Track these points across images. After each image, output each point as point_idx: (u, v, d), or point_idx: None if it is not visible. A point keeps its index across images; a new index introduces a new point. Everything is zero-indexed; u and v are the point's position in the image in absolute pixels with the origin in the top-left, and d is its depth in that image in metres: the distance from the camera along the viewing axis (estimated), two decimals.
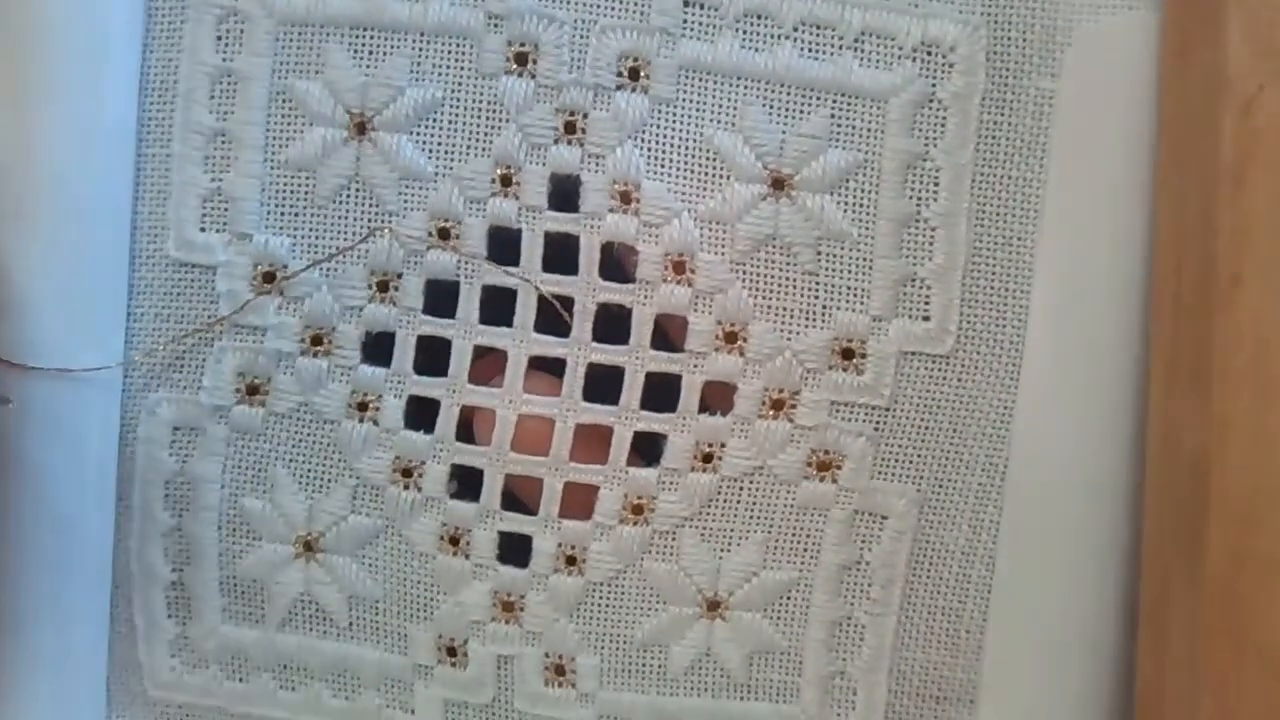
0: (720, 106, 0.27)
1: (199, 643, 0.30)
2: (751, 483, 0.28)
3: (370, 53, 0.27)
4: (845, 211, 0.27)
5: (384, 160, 0.27)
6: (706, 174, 0.27)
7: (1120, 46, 0.26)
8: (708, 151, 0.27)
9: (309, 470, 0.29)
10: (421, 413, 0.28)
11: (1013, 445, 0.28)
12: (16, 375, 0.27)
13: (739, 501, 0.28)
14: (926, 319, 0.27)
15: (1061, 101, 0.27)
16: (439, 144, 0.27)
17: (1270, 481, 0.24)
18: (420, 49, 0.27)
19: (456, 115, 0.27)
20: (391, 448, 0.28)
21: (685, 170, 0.27)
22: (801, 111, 0.27)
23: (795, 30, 0.27)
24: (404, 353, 0.28)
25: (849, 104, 0.27)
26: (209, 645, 0.30)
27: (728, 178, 0.27)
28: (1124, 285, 0.27)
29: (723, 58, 0.27)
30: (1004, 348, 0.27)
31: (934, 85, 0.27)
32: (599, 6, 0.27)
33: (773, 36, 0.27)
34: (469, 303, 0.28)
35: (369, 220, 0.28)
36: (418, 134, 0.27)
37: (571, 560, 0.28)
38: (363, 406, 0.28)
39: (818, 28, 0.27)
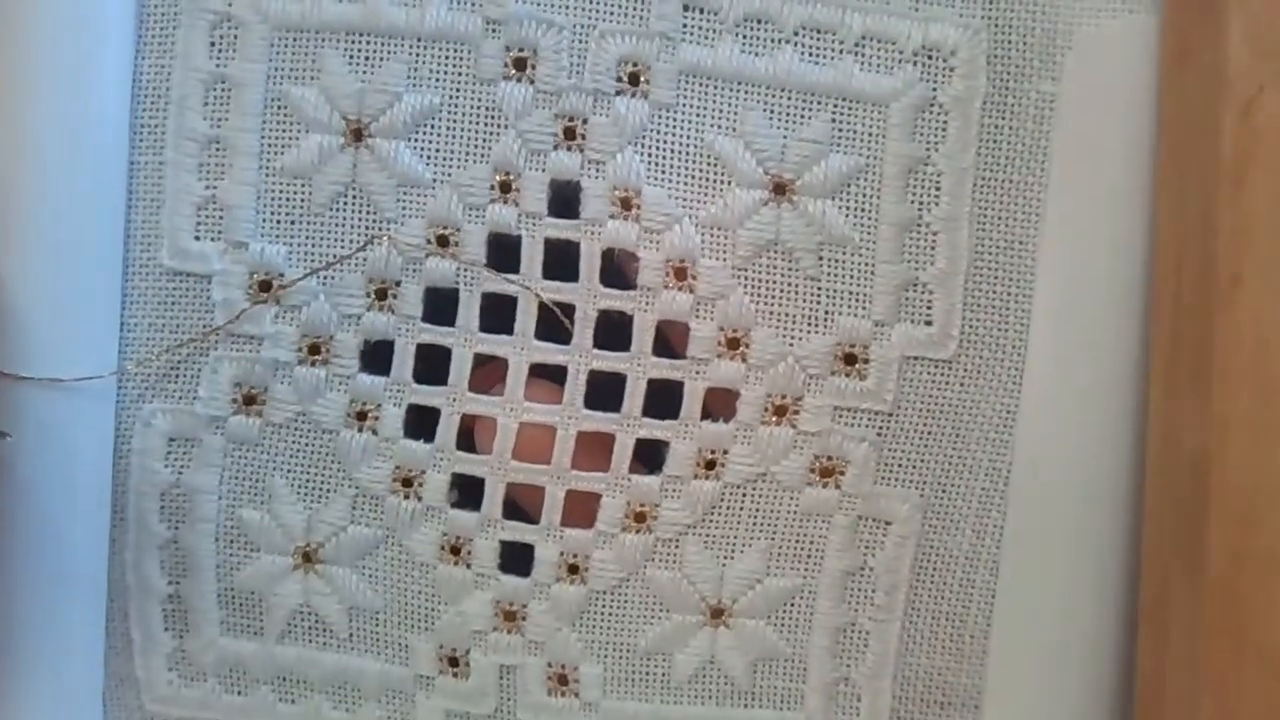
0: (721, 111, 0.27)
1: (197, 656, 0.29)
2: (754, 489, 0.28)
3: (367, 58, 0.27)
4: (847, 216, 0.27)
5: (381, 167, 0.27)
6: (707, 179, 0.27)
7: (1120, 49, 0.27)
8: (709, 157, 0.27)
9: (307, 481, 0.28)
10: (421, 422, 0.28)
11: (1016, 449, 0.28)
12: (8, 385, 0.27)
13: (742, 508, 0.28)
14: (929, 324, 0.27)
15: (1062, 104, 0.27)
16: (437, 150, 0.27)
17: (1270, 481, 0.24)
18: (417, 55, 0.27)
19: (455, 121, 0.27)
20: (391, 457, 0.28)
21: (686, 176, 0.27)
22: (802, 116, 0.27)
23: (796, 34, 0.27)
24: (403, 361, 0.28)
25: (850, 108, 0.27)
26: (207, 658, 0.29)
27: (729, 183, 0.27)
28: (1126, 287, 0.27)
29: (723, 62, 0.27)
30: (1007, 352, 0.27)
31: (935, 89, 0.27)
32: (598, 11, 0.27)
33: (773, 41, 0.27)
34: (469, 310, 0.27)
35: (367, 228, 0.27)
36: (415, 140, 0.27)
37: (574, 569, 0.28)
38: (362, 416, 0.28)
39: (818, 32, 0.27)
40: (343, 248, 0.28)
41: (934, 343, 0.27)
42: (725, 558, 0.28)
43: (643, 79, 0.27)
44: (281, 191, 0.28)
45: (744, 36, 0.27)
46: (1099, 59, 0.27)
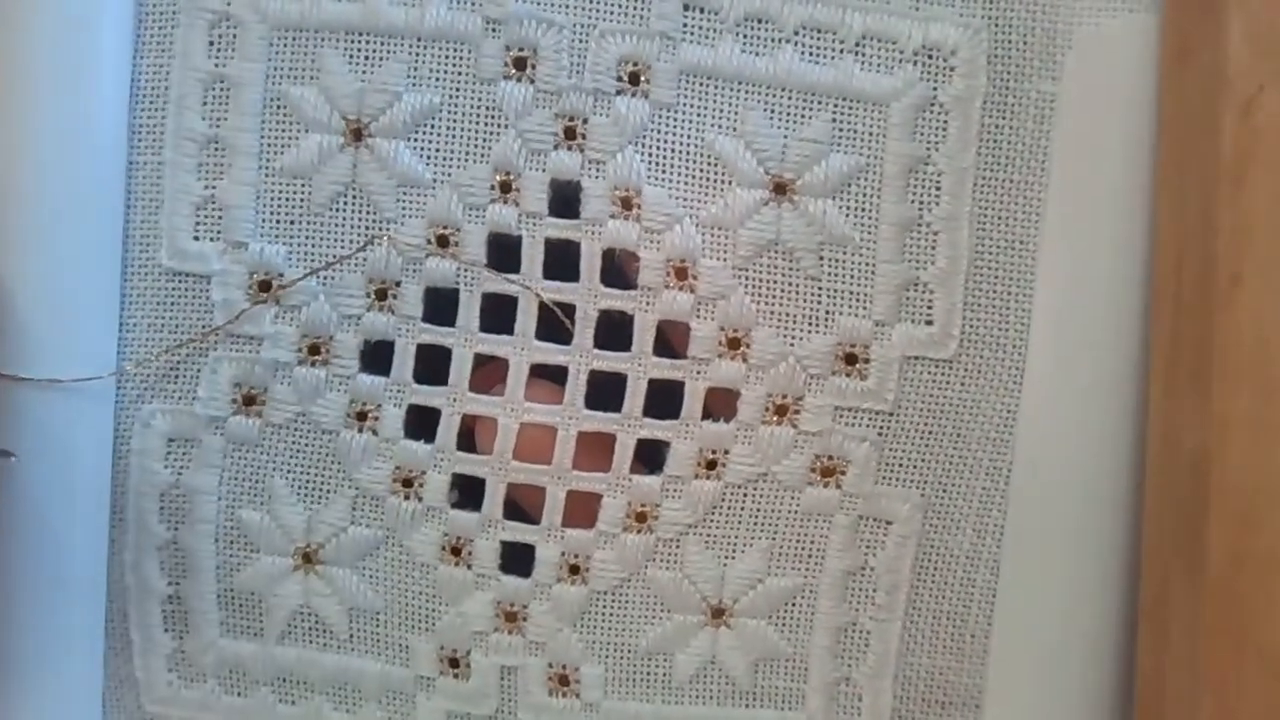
0: (721, 111, 0.27)
1: (196, 657, 0.29)
2: (755, 489, 0.28)
3: (366, 58, 0.27)
4: (847, 216, 0.27)
5: (381, 167, 0.27)
6: (708, 179, 0.27)
7: (1121, 49, 0.27)
8: (709, 156, 0.27)
9: (307, 481, 0.28)
10: (422, 422, 0.28)
11: (1016, 449, 0.28)
12: (7, 387, 0.27)
13: (743, 508, 0.28)
14: (929, 323, 0.27)
15: (1063, 104, 0.27)
16: (437, 150, 0.27)
17: (1270, 481, 0.24)
18: (417, 54, 0.27)
19: (455, 121, 0.27)
20: (391, 458, 0.28)
21: (687, 175, 0.27)
22: (803, 116, 0.27)
23: (796, 34, 0.27)
24: (403, 361, 0.28)
25: (850, 108, 0.27)
26: (207, 659, 0.29)
27: (729, 183, 0.27)
28: (1126, 287, 0.27)
29: (723, 62, 0.27)
30: (1007, 351, 0.27)
31: (935, 89, 0.27)
32: (598, 10, 0.27)
33: (773, 40, 0.27)
34: (469, 310, 0.27)
35: (366, 228, 0.27)
36: (415, 140, 0.27)
37: (575, 569, 0.28)
38: (362, 416, 0.28)
39: (819, 31, 0.27)
40: (342, 248, 0.28)
41: (935, 342, 0.27)
42: (726, 558, 0.28)
43: (643, 78, 0.27)
44: (281, 191, 0.28)
45: (744, 36, 0.27)
46: (1099, 58, 0.27)
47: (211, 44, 0.27)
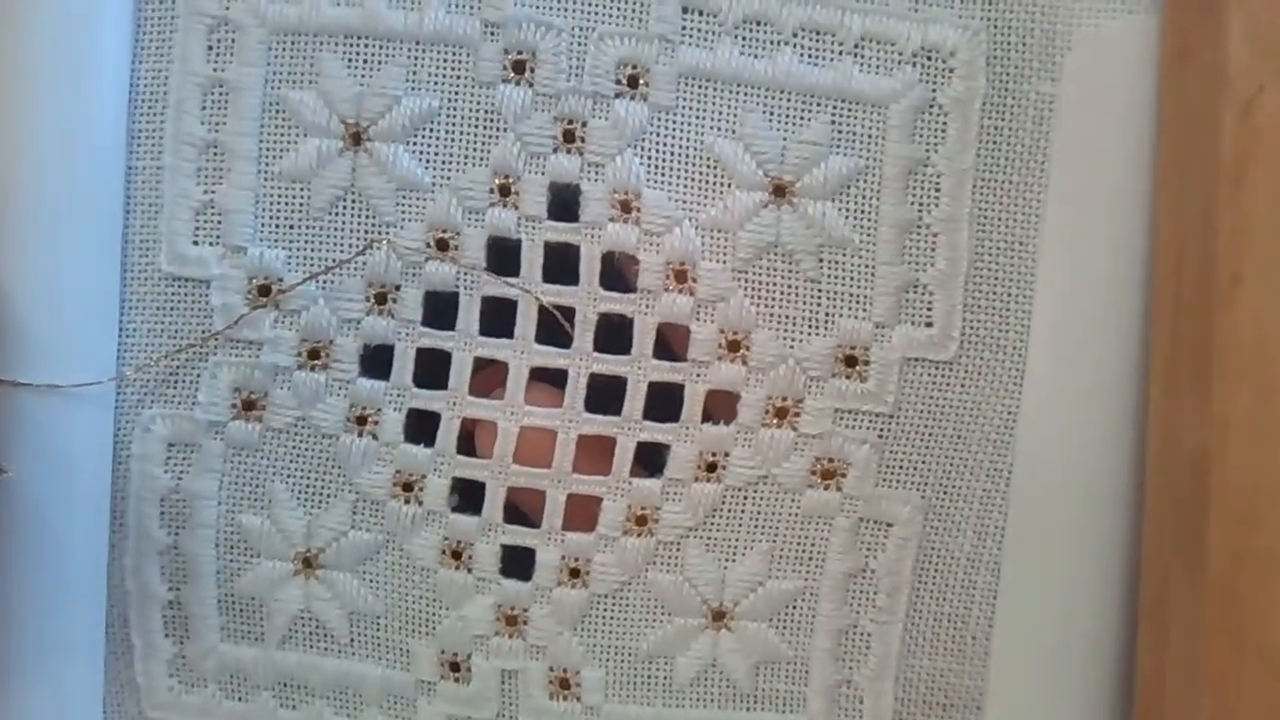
0: (720, 114, 0.27)
1: (197, 662, 0.29)
2: (756, 492, 0.28)
3: (365, 62, 0.27)
4: (847, 218, 0.27)
5: (380, 171, 0.27)
6: (707, 182, 0.27)
7: (1120, 50, 0.26)
8: (708, 159, 0.27)
9: (308, 486, 0.28)
10: (422, 426, 0.28)
11: (1017, 450, 0.28)
12: (7, 392, 0.27)
13: (743, 511, 0.28)
14: (929, 325, 0.27)
15: (1062, 105, 0.27)
16: (436, 154, 0.27)
17: (1270, 481, 0.24)
18: (416, 58, 0.27)
19: (454, 125, 0.27)
20: (391, 462, 0.28)
21: (686, 178, 0.27)
22: (802, 118, 0.27)
23: (795, 36, 0.27)
24: (403, 365, 0.28)
25: (849, 110, 0.27)
26: (207, 664, 0.29)
27: (728, 185, 0.27)
28: (1126, 287, 0.27)
29: (722, 64, 0.27)
30: (1007, 353, 0.27)
31: (934, 90, 0.27)
32: (597, 13, 0.27)
33: (772, 43, 0.27)
34: (469, 314, 0.27)
35: (366, 232, 0.27)
36: (414, 144, 0.27)
37: (575, 572, 0.28)
38: (362, 420, 0.28)
39: (817, 33, 0.27)
40: (342, 252, 0.28)
41: (934, 344, 0.27)
42: (727, 560, 0.28)
43: (642, 81, 0.27)
44: (280, 196, 0.28)
45: (743, 38, 0.27)
46: (1098, 59, 0.27)
47: (210, 48, 0.27)
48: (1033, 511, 0.28)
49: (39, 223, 0.27)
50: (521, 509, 0.28)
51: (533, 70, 0.27)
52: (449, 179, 0.27)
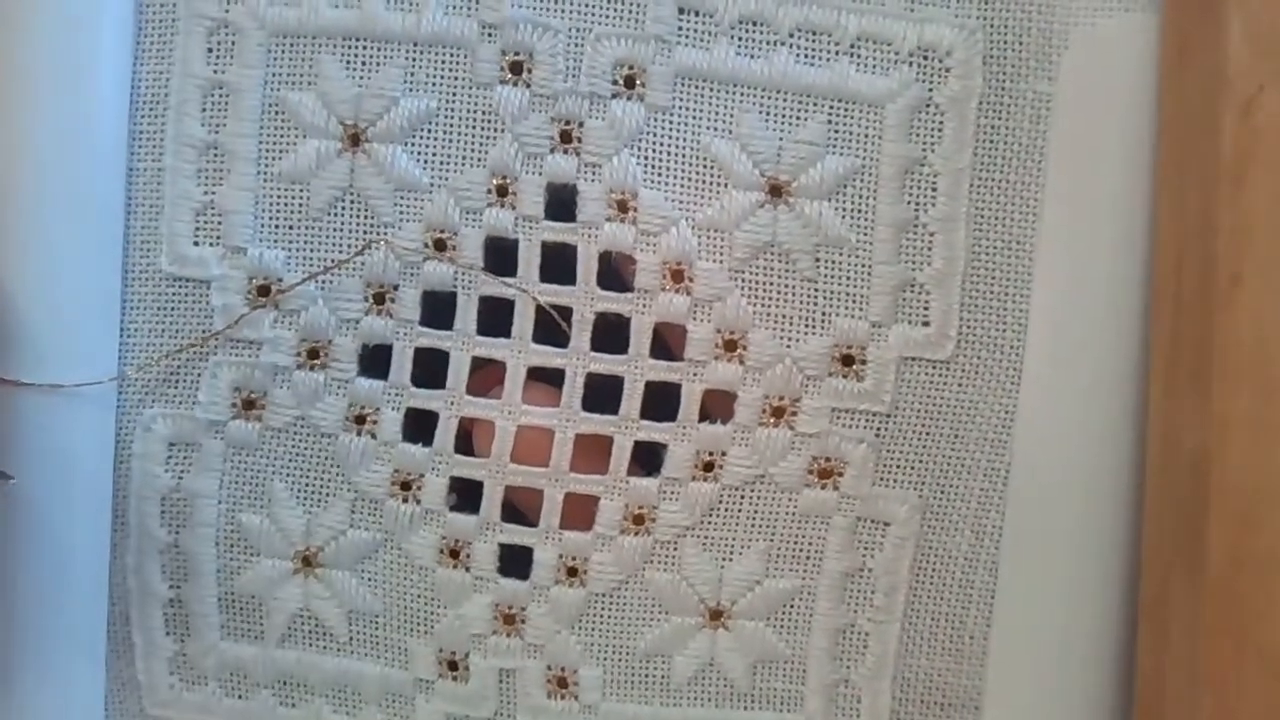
0: (717, 114, 0.27)
1: (198, 660, 0.29)
2: (753, 491, 0.28)
3: (363, 63, 0.27)
4: (843, 217, 0.27)
5: (378, 172, 0.27)
6: (704, 182, 0.27)
7: (1117, 49, 0.26)
8: (705, 159, 0.27)
9: (307, 485, 0.29)
10: (420, 425, 0.28)
11: (1014, 450, 0.27)
12: (9, 392, 0.27)
13: (740, 510, 0.28)
14: (926, 324, 0.27)
15: (1059, 104, 0.27)
16: (434, 155, 0.27)
17: (1270, 481, 0.24)
18: (414, 59, 0.27)
19: (451, 126, 0.27)
20: (390, 461, 0.28)
21: (682, 178, 0.27)
22: (798, 118, 0.27)
23: (791, 36, 0.27)
24: (401, 365, 0.28)
25: (846, 110, 0.27)
26: (208, 662, 0.29)
27: (725, 185, 0.27)
28: (1126, 287, 0.27)
29: (719, 65, 0.27)
30: (1004, 352, 0.27)
31: (931, 90, 0.27)
32: (594, 14, 0.27)
33: (768, 43, 0.27)
34: (466, 314, 0.28)
35: (364, 232, 0.28)
36: (412, 145, 0.27)
37: (573, 571, 0.28)
38: (360, 419, 0.28)
39: (813, 34, 0.27)
40: (341, 252, 0.28)
41: (931, 343, 0.27)
42: (724, 559, 0.28)
43: (639, 82, 0.27)
44: (279, 196, 0.28)
45: (739, 39, 0.27)
46: (1095, 58, 0.27)
47: (210, 50, 0.27)
48: (1030, 511, 0.28)
49: (41, 223, 0.27)
50: (519, 508, 0.28)
51: (530, 71, 0.27)
52: (447, 179, 0.27)
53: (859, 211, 0.27)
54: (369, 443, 0.28)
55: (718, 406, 0.28)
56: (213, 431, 0.28)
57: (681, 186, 0.27)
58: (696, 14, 0.27)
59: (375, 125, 0.27)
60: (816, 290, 0.27)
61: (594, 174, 0.27)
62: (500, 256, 0.27)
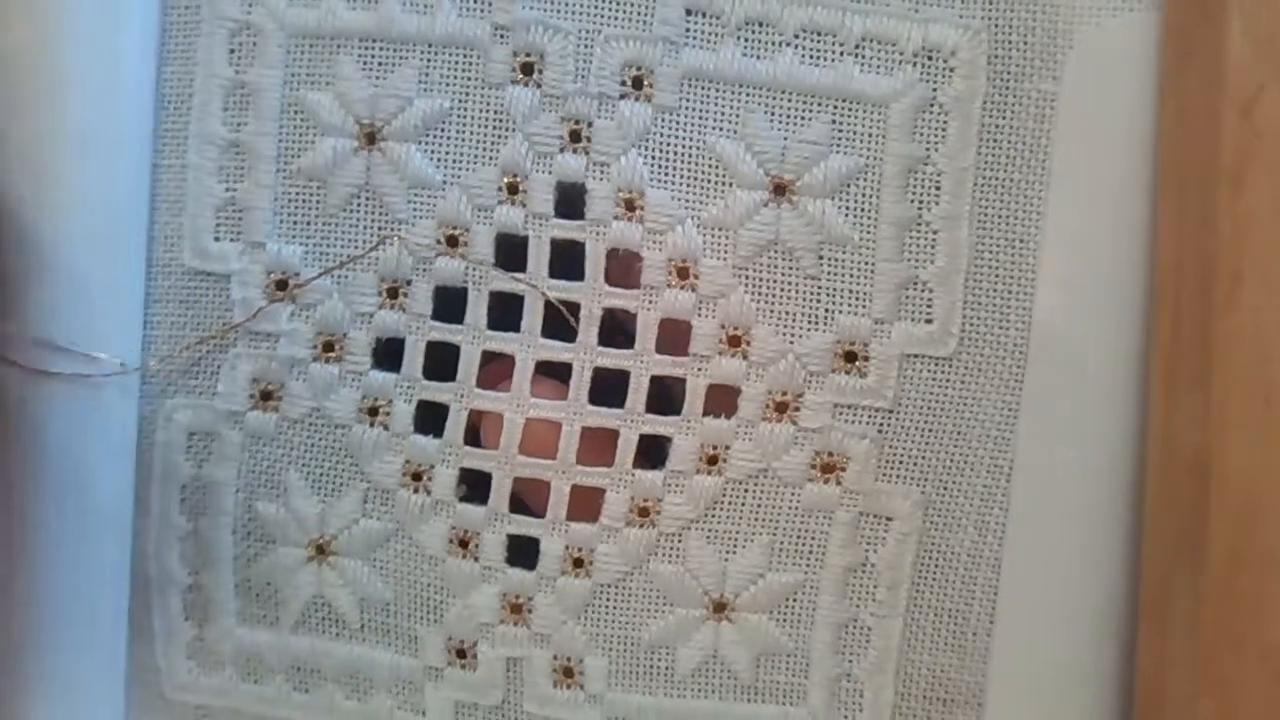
0: (722, 114, 0.27)
1: (215, 645, 0.30)
2: (756, 485, 0.28)
3: (380, 64, 0.28)
4: (847, 216, 0.27)
5: (393, 169, 0.28)
6: (709, 181, 0.27)
7: (1121, 48, 0.27)
8: (710, 159, 0.27)
9: (321, 474, 0.29)
10: (431, 417, 0.29)
11: (1017, 447, 0.28)
12: (36, 381, 0.27)
13: (744, 504, 0.28)
14: (929, 321, 0.28)
15: (1063, 104, 0.27)
16: (447, 153, 0.28)
17: (1270, 481, 0.24)
18: (428, 60, 0.28)
19: (464, 125, 0.28)
20: (401, 452, 0.29)
21: (688, 177, 0.27)
22: (803, 118, 0.27)
23: (796, 37, 0.27)
24: (413, 358, 0.28)
25: (850, 109, 0.27)
26: (225, 647, 0.30)
27: (730, 184, 0.27)
28: (1126, 287, 0.27)
29: (725, 66, 0.27)
30: (1007, 349, 0.27)
31: (935, 89, 0.27)
32: (603, 16, 0.27)
33: (774, 44, 0.27)
34: (477, 309, 0.28)
35: (379, 228, 0.28)
36: (426, 143, 0.28)
37: (579, 562, 0.29)
38: (373, 411, 0.29)
39: (818, 34, 0.27)
40: (356, 248, 0.28)
41: (934, 340, 0.28)
42: (728, 552, 0.28)
43: (646, 83, 0.27)
44: (298, 193, 0.28)
45: (745, 40, 0.27)
46: (1100, 58, 0.27)
47: (232, 51, 0.28)
48: (1033, 508, 0.28)
49: (69, 219, 0.27)
50: (526, 501, 0.29)
51: (541, 72, 0.27)
52: (459, 177, 0.28)
53: (862, 210, 0.27)
54: (381, 434, 0.29)
55: (722, 401, 0.28)
56: (232, 422, 0.29)
57: (687, 185, 0.27)
58: (703, 15, 0.27)
59: (390, 124, 0.28)
60: (820, 287, 0.28)
61: (602, 173, 0.28)
62: (510, 253, 0.28)
